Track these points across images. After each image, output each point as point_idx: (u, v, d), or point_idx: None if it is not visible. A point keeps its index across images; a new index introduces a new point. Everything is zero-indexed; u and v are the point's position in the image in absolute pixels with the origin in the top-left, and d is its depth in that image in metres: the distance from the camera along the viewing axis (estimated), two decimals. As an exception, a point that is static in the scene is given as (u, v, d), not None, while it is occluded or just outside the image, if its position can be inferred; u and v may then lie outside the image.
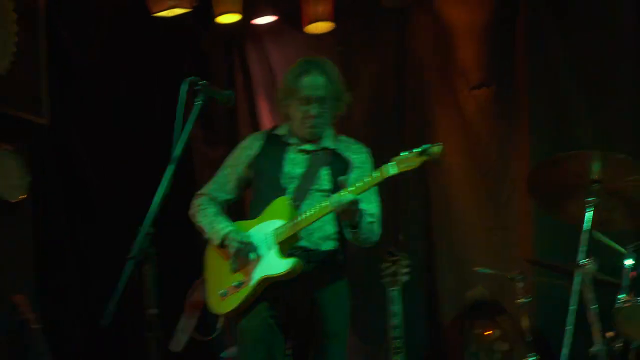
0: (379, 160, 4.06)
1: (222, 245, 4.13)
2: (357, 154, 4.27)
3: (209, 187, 4.34)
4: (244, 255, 4.07)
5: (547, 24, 5.99)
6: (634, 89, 5.68)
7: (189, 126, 3.50)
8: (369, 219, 4.03)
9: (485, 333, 5.52)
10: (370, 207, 4.07)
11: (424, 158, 3.73)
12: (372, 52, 6.50)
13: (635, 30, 5.70)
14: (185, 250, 5.49)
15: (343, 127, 4.45)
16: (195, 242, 4.72)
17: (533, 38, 6.02)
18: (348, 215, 3.91)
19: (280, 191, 4.11)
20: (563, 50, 5.92)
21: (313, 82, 4.14)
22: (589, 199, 4.12)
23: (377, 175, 3.83)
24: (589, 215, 4.09)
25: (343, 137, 4.34)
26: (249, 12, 6.37)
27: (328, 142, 4.24)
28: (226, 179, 4.33)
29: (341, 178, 3.94)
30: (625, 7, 5.74)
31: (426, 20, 6.37)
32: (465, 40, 6.24)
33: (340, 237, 4.13)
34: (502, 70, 6.14)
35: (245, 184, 4.33)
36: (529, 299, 4.99)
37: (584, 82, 5.84)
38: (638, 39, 5.69)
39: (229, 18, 6.26)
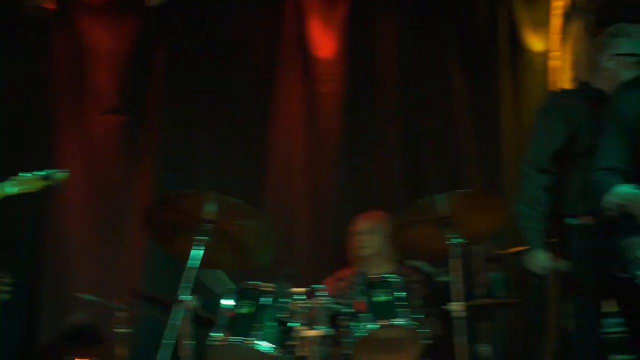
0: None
1: None
2: None
3: None
4: None
5: (191, 61, 6.15)
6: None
7: None
8: None
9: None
10: None
11: (46, 182, 3.66)
12: (8, 61, 6.18)
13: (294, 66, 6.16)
14: None
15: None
16: None
17: (170, 72, 6.15)
18: None
19: None
20: (196, 87, 6.12)
21: None
22: (197, 238, 4.20)
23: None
24: (194, 253, 4.16)
25: None
26: None
27: None
28: None
29: None
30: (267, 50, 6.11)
31: (66, 37, 6.24)
32: (103, 64, 6.20)
33: None
34: (136, 99, 6.17)
35: None
36: (129, 329, 4.99)
37: (213, 121, 6.12)
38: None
39: None
